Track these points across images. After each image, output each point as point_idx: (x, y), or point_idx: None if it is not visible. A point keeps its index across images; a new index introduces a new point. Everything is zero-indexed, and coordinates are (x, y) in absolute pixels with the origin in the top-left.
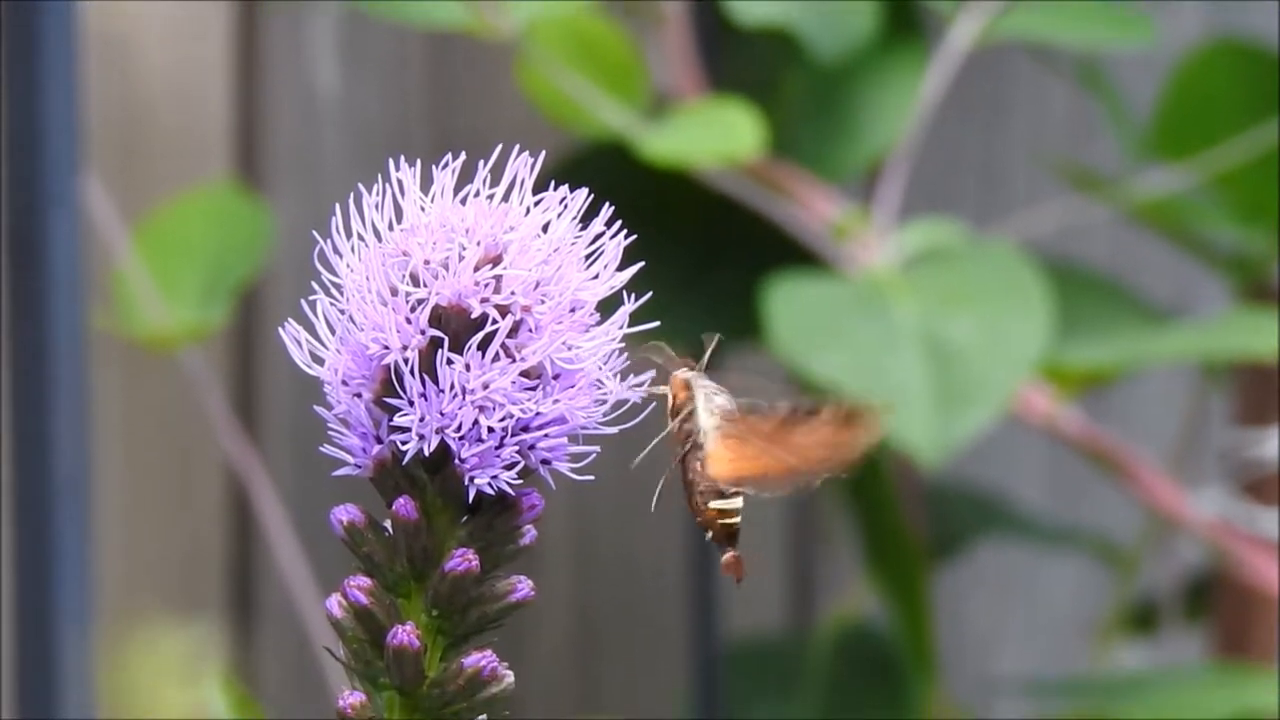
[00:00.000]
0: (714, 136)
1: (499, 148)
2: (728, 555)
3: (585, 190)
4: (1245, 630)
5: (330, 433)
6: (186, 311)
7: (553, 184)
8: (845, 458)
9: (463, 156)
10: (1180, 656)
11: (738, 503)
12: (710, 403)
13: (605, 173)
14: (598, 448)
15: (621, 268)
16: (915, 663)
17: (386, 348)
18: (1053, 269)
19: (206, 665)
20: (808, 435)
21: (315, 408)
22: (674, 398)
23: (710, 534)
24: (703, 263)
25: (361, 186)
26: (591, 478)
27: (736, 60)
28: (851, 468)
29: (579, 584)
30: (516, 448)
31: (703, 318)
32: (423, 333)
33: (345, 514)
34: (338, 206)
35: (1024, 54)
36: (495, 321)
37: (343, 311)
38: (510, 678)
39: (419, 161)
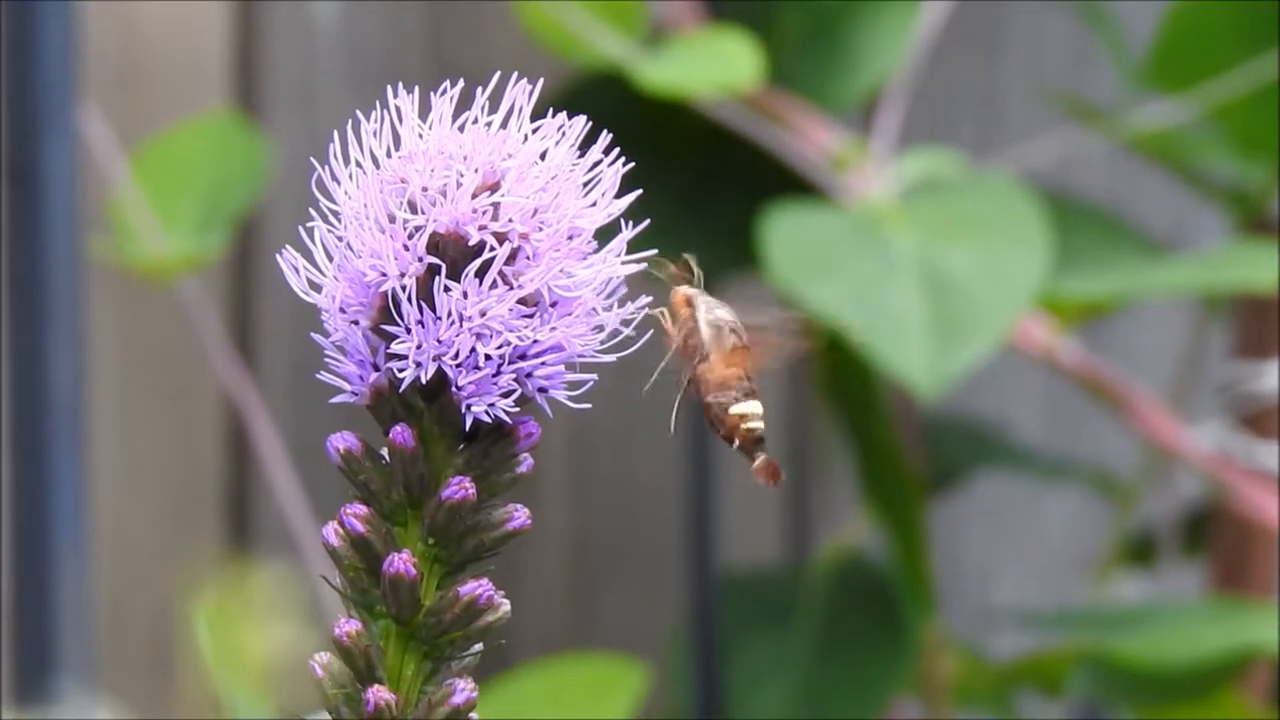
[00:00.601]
0: (712, 66)
1: (497, 76)
2: (759, 461)
3: (583, 118)
4: (1243, 564)
5: (327, 360)
6: (184, 240)
7: (551, 112)
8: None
9: (460, 84)
10: (1178, 590)
11: (756, 407)
12: (711, 314)
13: (603, 103)
14: (595, 376)
15: (619, 196)
16: (912, 595)
17: (384, 275)
18: (1051, 200)
19: (284, 603)
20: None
21: (313, 335)
22: (676, 313)
23: (736, 443)
24: (700, 193)
25: (360, 114)
26: (589, 406)
27: None
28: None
29: (575, 513)
30: (514, 375)
31: (700, 247)
32: (420, 260)
33: (342, 441)
34: (335, 134)
35: None
36: (493, 249)
37: (340, 239)
38: (507, 606)
39: (417, 89)
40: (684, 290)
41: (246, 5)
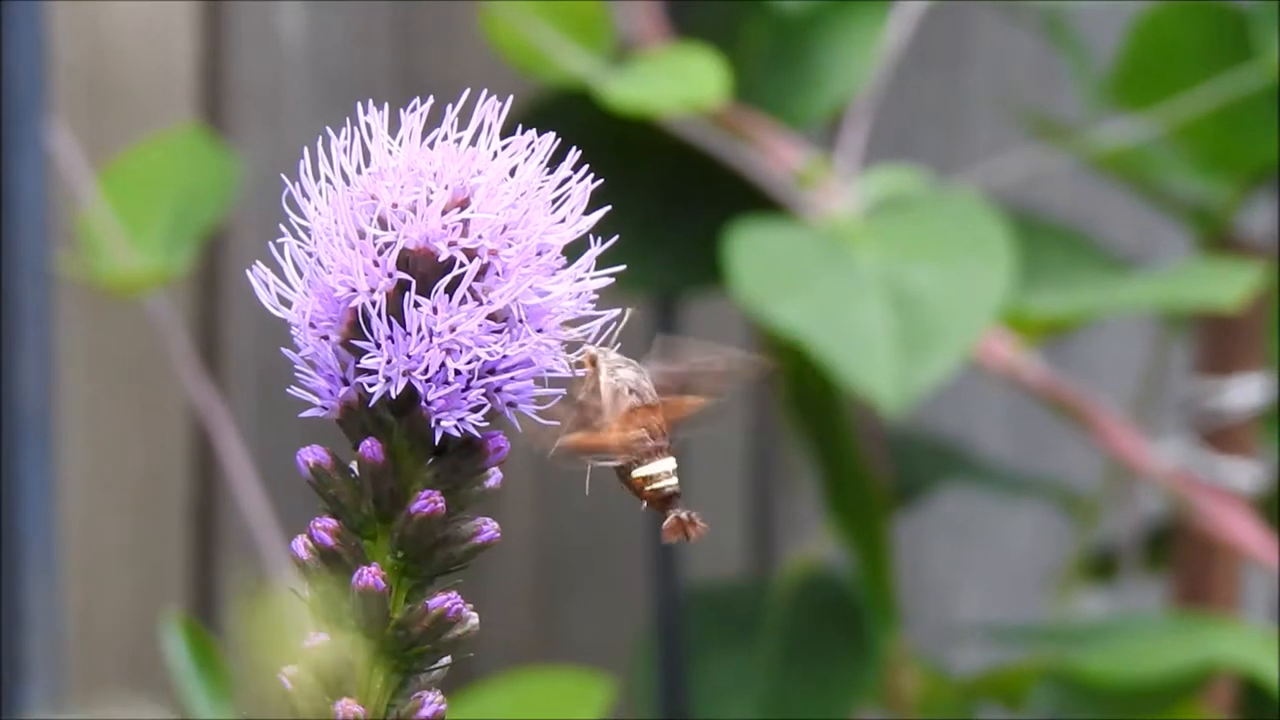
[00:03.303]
0: (678, 84)
1: (466, 92)
2: (669, 520)
3: (552, 135)
4: (1205, 579)
5: (297, 375)
6: (152, 256)
7: (519, 129)
8: (716, 400)
9: (430, 101)
10: (1140, 605)
11: (664, 465)
12: (613, 375)
13: (569, 120)
14: (563, 390)
15: (588, 212)
16: (876, 609)
17: (354, 290)
18: (1015, 217)
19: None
20: (693, 389)
21: (282, 350)
22: (584, 374)
23: (645, 504)
24: (666, 210)
25: (329, 130)
26: (557, 423)
27: (700, 7)
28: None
29: (540, 526)
30: (483, 390)
31: (666, 264)
32: (390, 275)
33: (311, 455)
34: (305, 150)
35: (987, 3)
36: (462, 265)
37: (310, 254)
38: (474, 619)
39: (386, 106)
40: (589, 350)
41: (213, 20)
